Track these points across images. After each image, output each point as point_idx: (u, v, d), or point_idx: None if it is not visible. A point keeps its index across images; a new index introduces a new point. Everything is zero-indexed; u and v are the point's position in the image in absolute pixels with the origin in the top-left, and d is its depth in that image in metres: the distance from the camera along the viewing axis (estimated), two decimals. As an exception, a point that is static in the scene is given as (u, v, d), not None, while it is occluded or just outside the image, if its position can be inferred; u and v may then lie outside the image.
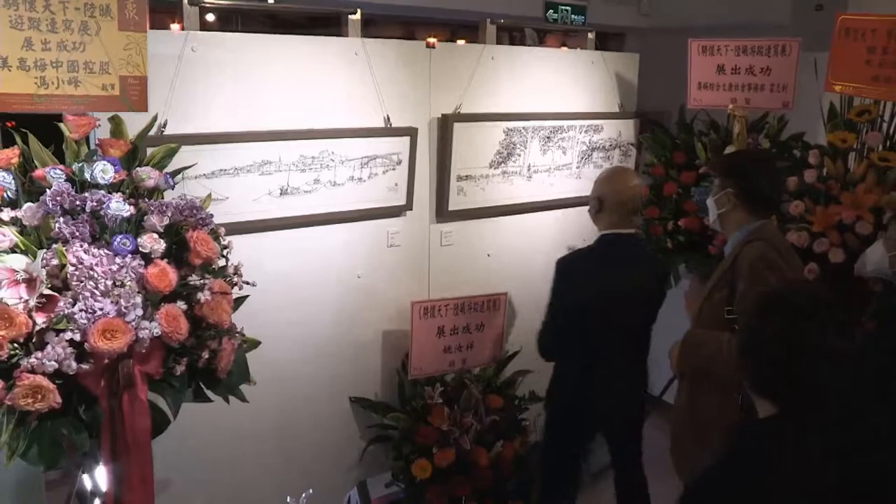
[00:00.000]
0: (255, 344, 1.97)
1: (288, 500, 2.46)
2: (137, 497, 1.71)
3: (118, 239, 1.64)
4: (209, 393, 1.82)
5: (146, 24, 1.79)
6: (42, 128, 1.79)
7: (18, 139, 1.75)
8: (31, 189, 1.75)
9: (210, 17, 3.30)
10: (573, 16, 4.39)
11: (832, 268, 2.44)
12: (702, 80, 3.02)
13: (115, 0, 1.72)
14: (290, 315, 2.46)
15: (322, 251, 2.52)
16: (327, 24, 3.57)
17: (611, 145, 3.32)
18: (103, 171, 1.67)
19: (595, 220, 2.47)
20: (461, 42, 3.20)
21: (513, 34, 4.50)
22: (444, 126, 2.71)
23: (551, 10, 4.31)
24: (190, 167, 2.05)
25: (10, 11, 1.59)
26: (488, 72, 2.82)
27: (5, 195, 1.68)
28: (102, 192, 1.68)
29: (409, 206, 2.67)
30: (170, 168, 1.92)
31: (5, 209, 1.65)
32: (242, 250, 1.91)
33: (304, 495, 2.50)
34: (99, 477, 1.78)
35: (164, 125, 2.08)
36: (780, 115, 3.11)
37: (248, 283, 1.89)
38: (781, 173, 2.44)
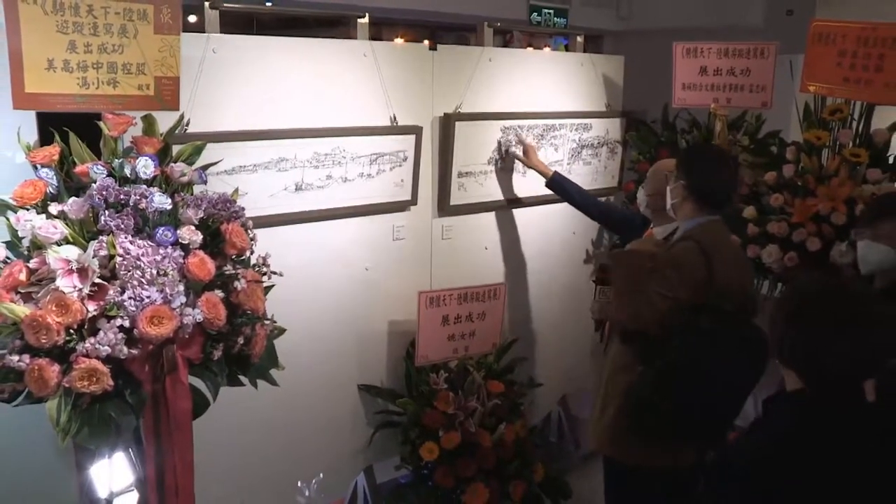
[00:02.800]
0: (281, 331, 2.07)
1: (299, 484, 2.55)
2: (180, 478, 1.81)
3: (160, 231, 1.73)
4: (242, 378, 1.93)
5: (180, 28, 1.88)
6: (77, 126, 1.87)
7: (57, 137, 1.83)
8: (69, 185, 1.83)
9: (192, 19, 3.29)
10: (556, 18, 4.56)
11: (810, 255, 2.64)
12: (686, 81, 3.18)
13: (152, 5, 1.81)
14: (301, 305, 2.54)
15: (333, 244, 2.61)
16: (297, 25, 3.64)
17: (599, 143, 3.47)
18: (145, 167, 1.76)
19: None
20: (426, 43, 3.21)
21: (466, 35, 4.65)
22: (446, 125, 2.82)
23: (535, 14, 4.47)
24: (216, 163, 2.14)
25: (57, 16, 1.67)
26: (486, 73, 2.95)
27: (48, 190, 1.76)
28: (143, 186, 1.77)
29: (413, 201, 2.79)
30: (196, 165, 2.01)
31: (51, 204, 1.73)
32: (260, 243, 1.98)
33: (314, 480, 2.59)
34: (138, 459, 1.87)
35: (188, 123, 2.16)
36: (757, 113, 3.31)
37: (275, 273, 2.00)
38: (735, 171, 2.38)
